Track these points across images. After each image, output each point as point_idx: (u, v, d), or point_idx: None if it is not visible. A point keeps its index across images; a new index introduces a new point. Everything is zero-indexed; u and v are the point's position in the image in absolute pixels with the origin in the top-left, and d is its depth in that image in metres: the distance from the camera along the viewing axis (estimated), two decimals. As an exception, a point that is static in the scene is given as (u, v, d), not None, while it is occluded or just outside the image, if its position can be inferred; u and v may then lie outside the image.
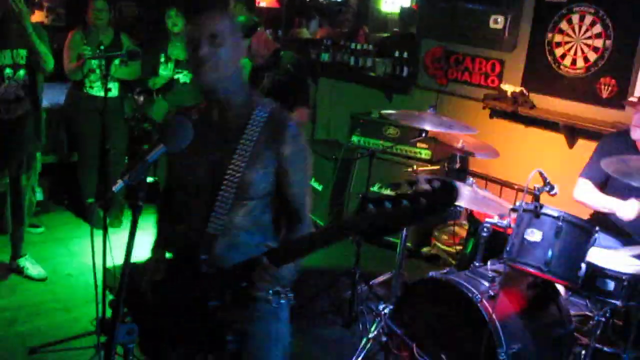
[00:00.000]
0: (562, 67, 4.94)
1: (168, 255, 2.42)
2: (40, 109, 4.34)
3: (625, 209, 3.56)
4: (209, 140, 2.19)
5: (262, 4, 9.05)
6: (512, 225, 3.25)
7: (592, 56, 4.77)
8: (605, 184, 3.85)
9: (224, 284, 2.07)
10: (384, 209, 1.62)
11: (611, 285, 3.09)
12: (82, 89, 5.27)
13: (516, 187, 5.17)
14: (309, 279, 4.78)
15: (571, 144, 4.91)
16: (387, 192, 5.45)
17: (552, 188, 3.30)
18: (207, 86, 2.17)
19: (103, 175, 3.74)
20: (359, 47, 6.47)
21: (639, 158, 3.39)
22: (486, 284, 3.20)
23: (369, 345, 3.61)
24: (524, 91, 5.09)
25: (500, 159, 4.08)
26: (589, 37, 4.78)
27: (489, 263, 3.46)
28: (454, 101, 5.68)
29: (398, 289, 3.86)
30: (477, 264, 3.46)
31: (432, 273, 3.41)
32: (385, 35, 8.16)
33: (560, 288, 3.46)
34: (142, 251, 5.31)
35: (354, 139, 5.66)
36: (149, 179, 5.79)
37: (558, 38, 4.95)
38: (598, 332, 3.15)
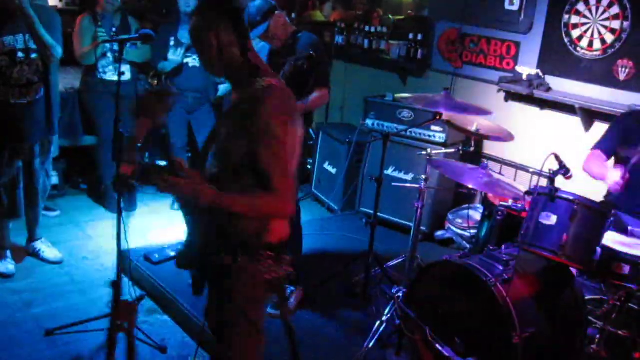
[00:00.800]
0: (578, 49, 4.88)
1: None
2: (51, 95, 4.34)
3: (610, 176, 3.62)
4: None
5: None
6: (527, 208, 3.24)
7: (609, 38, 4.71)
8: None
9: None
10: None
11: (626, 269, 3.07)
12: (95, 74, 5.28)
13: (531, 170, 5.14)
14: (323, 262, 4.80)
15: (587, 127, 4.86)
16: (401, 175, 5.44)
17: (567, 171, 3.27)
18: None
19: (119, 159, 3.74)
20: (373, 29, 6.43)
21: None
22: (500, 267, 3.19)
23: (382, 328, 3.62)
24: (540, 74, 5.04)
25: (515, 142, 4.05)
26: (607, 19, 4.71)
27: (503, 247, 3.45)
28: (469, 84, 5.63)
29: (412, 273, 3.86)
30: (491, 248, 3.45)
31: (446, 256, 3.40)
32: (399, 18, 8.11)
33: (575, 272, 3.44)
34: (154, 232, 5.32)
35: (368, 122, 5.63)
36: (162, 163, 5.80)
37: (575, 19, 4.88)
38: (613, 316, 3.14)
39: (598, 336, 3.20)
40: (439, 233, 5.33)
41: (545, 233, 3.07)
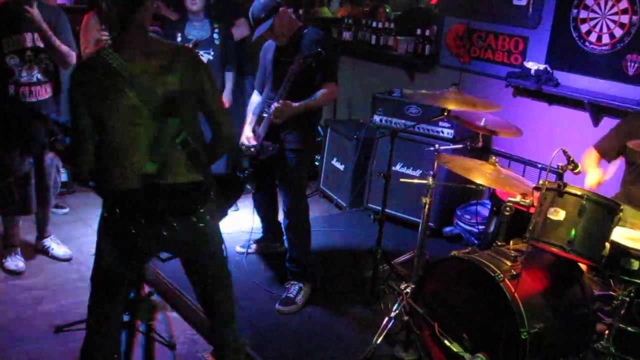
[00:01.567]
0: (587, 43, 4.86)
1: None
2: (60, 94, 4.36)
3: (587, 177, 3.79)
4: None
5: (283, -17, 8.98)
6: (535, 204, 3.22)
7: (618, 32, 4.68)
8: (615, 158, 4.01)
9: None
10: None
11: (636, 264, 3.05)
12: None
13: (539, 166, 5.12)
14: (331, 258, 4.81)
15: (596, 122, 4.84)
16: (409, 171, 5.43)
17: (576, 166, 3.27)
18: None
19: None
20: (380, 25, 6.42)
21: None
22: (508, 263, 3.18)
23: (390, 324, 3.62)
24: (548, 69, 5.01)
25: (523, 137, 4.04)
26: (615, 13, 4.68)
27: (511, 242, 3.44)
28: (477, 79, 5.61)
29: (420, 269, 3.86)
30: (499, 243, 3.44)
31: (453, 252, 3.40)
32: (397, 13, 8.07)
33: (583, 267, 3.43)
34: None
35: (376, 118, 5.63)
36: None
37: (583, 14, 4.86)
38: (622, 311, 3.12)
39: (607, 332, 3.19)
40: (447, 229, 5.32)
41: (554, 228, 3.06)
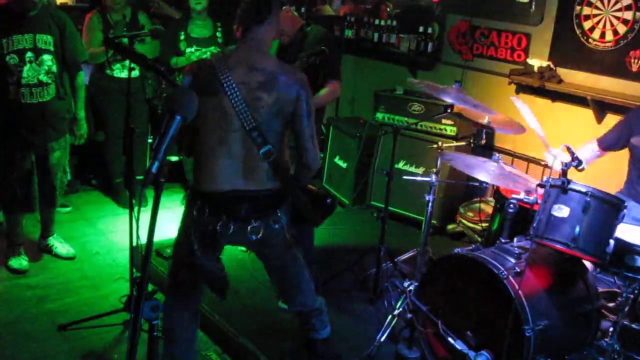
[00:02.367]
0: (590, 40, 4.85)
1: None
2: (64, 96, 4.37)
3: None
4: None
5: (285, -19, 8.97)
6: (539, 201, 3.21)
7: (621, 29, 4.67)
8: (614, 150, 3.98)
9: None
10: None
11: (640, 261, 3.05)
12: (104, 70, 5.30)
13: (543, 163, 5.11)
14: (335, 255, 4.80)
15: (600, 119, 4.83)
16: (412, 169, 5.42)
17: (579, 163, 3.26)
18: None
19: (130, 154, 3.77)
20: (382, 23, 6.41)
21: None
22: (512, 260, 3.17)
23: (394, 321, 3.62)
24: (551, 65, 5.00)
25: (527, 134, 4.03)
26: (619, 9, 4.67)
27: (515, 239, 3.43)
28: (480, 76, 5.61)
29: (423, 266, 3.85)
30: (503, 241, 3.43)
31: (457, 250, 3.39)
32: (398, 11, 8.06)
33: (588, 264, 3.42)
34: (165, 227, 5.34)
35: (378, 115, 5.62)
36: (174, 158, 5.83)
37: (586, 10, 4.84)
38: (626, 309, 3.12)
39: (611, 329, 3.18)
40: (451, 226, 5.32)
41: (558, 225, 3.05)
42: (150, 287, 2.00)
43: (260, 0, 2.86)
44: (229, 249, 3.30)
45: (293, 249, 3.09)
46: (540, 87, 5.00)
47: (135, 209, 3.26)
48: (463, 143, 4.94)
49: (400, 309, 3.61)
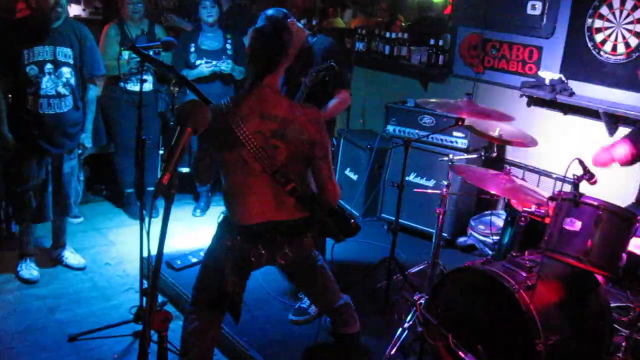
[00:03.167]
0: (602, 53, 4.83)
1: None
2: (80, 108, 4.41)
3: (617, 150, 3.78)
4: None
5: (297, -6, 9.02)
6: (551, 214, 3.20)
7: (633, 42, 4.66)
8: None
9: None
10: None
11: (653, 275, 3.02)
12: (117, 83, 5.34)
13: (554, 176, 5.09)
14: (345, 268, 4.78)
15: (612, 131, 4.81)
16: (423, 181, 5.41)
17: (591, 176, 3.23)
18: None
19: (141, 165, 3.79)
20: (393, 36, 6.42)
21: None
22: (524, 274, 3.15)
23: (404, 334, 3.60)
24: (563, 78, 4.99)
25: (538, 147, 4.01)
26: (631, 22, 4.66)
27: (526, 253, 3.41)
28: (491, 89, 5.60)
29: (434, 279, 3.83)
30: (514, 254, 3.41)
31: (468, 263, 3.37)
32: (409, 24, 8.09)
33: (600, 278, 3.39)
34: (176, 239, 5.35)
35: (389, 128, 5.62)
36: (185, 170, 5.85)
37: (598, 23, 4.84)
38: (639, 323, 3.09)
39: (624, 344, 3.15)
40: (462, 239, 5.30)
41: (570, 239, 3.03)
42: (160, 299, 2.00)
43: (275, 48, 2.85)
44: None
45: (317, 257, 3.14)
46: (551, 99, 4.99)
47: (146, 220, 3.28)
48: (474, 156, 4.93)
49: (411, 322, 3.60)
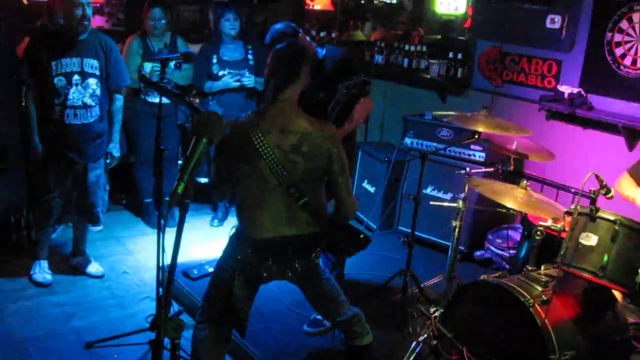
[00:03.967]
0: (621, 67, 4.81)
1: None
2: (106, 119, 4.49)
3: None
4: None
5: (317, 7, 9.09)
6: (567, 228, 3.18)
7: (653, 56, 4.63)
8: None
9: None
10: None
11: (670, 292, 2.99)
12: (138, 94, 5.40)
13: (573, 190, 5.05)
14: (361, 280, 4.79)
15: (631, 146, 4.77)
16: (440, 194, 5.40)
17: (608, 191, 3.20)
18: None
19: (159, 175, 3.84)
20: (412, 48, 6.44)
21: None
22: (539, 288, 3.13)
23: (419, 348, 3.59)
24: (582, 92, 4.97)
25: (557, 161, 4.00)
26: (651, 37, 4.64)
27: (542, 267, 3.39)
28: (509, 102, 5.58)
29: (449, 292, 3.82)
30: (530, 268, 3.40)
31: (483, 276, 3.36)
32: (436, 37, 8.11)
33: (617, 294, 3.36)
34: (193, 248, 5.37)
35: (407, 140, 5.62)
36: (202, 180, 5.89)
37: (618, 37, 4.81)
38: (657, 340, 3.06)
39: (642, 361, 3.12)
40: (478, 253, 5.27)
41: (586, 254, 3.01)
42: (176, 307, 2.03)
43: (292, 63, 2.97)
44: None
45: (323, 270, 3.19)
46: (570, 113, 4.96)
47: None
48: (491, 169, 4.91)
49: (426, 335, 3.58)
